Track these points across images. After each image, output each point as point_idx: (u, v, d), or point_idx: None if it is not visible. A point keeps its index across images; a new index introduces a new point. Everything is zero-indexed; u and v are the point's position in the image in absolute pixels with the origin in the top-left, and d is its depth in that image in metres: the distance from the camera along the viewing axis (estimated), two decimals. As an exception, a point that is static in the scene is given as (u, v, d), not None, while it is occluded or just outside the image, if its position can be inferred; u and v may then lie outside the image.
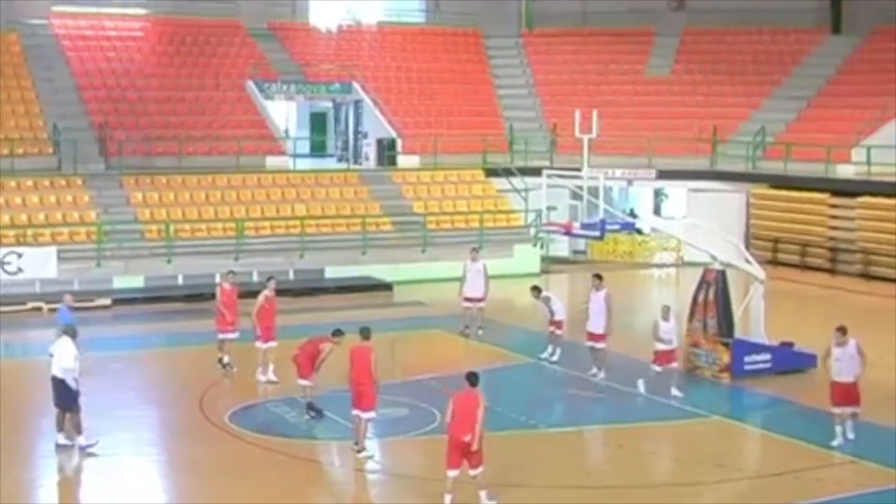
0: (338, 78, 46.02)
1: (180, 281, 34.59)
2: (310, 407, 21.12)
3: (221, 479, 18.31)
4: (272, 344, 23.79)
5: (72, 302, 23.92)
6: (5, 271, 32.51)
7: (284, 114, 46.32)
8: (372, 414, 18.97)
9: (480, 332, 28.60)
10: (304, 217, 37.43)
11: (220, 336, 24.59)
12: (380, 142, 44.33)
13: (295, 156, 42.17)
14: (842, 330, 19.74)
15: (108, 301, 32.51)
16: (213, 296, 25.40)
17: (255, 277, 34.74)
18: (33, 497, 17.65)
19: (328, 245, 37.03)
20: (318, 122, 51.17)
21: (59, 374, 19.34)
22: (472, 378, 16.74)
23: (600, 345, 24.66)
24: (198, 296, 32.66)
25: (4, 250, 32.83)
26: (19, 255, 32.79)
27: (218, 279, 25.73)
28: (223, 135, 41.13)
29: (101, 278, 33.84)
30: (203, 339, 26.20)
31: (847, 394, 19.55)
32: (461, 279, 28.92)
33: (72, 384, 19.28)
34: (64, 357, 19.39)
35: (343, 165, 44.84)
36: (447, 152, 43.10)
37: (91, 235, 34.70)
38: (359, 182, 40.98)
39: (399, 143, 43.93)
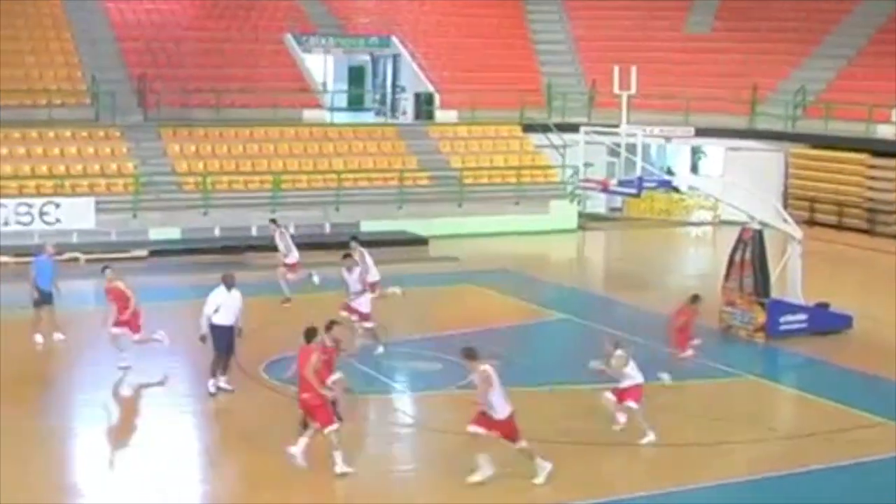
0: (376, 32, 45.89)
1: (217, 233, 34.71)
2: None
3: (253, 430, 18.45)
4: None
5: (52, 251, 24.05)
6: (44, 221, 32.73)
7: (322, 67, 46.24)
8: (330, 427, 16.53)
9: None
10: (341, 171, 37.47)
11: None
12: (417, 96, 44.25)
13: (332, 109, 42.15)
14: None
15: (144, 252, 32.72)
16: (249, 248, 25.15)
17: (292, 230, 34.92)
18: (69, 444, 17.90)
19: (364, 199, 37.08)
20: (355, 76, 51.05)
21: (224, 322, 19.96)
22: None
23: None
24: (233, 248, 32.83)
25: (43, 200, 33.06)
26: (57, 206, 33.00)
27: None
28: (260, 87, 41.11)
29: (138, 230, 34.05)
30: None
31: None
32: None
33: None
34: (230, 305, 19.99)
35: (380, 119, 44.79)
36: (485, 107, 42.94)
37: (128, 187, 34.87)
38: (396, 136, 40.94)
39: (437, 97, 43.81)
